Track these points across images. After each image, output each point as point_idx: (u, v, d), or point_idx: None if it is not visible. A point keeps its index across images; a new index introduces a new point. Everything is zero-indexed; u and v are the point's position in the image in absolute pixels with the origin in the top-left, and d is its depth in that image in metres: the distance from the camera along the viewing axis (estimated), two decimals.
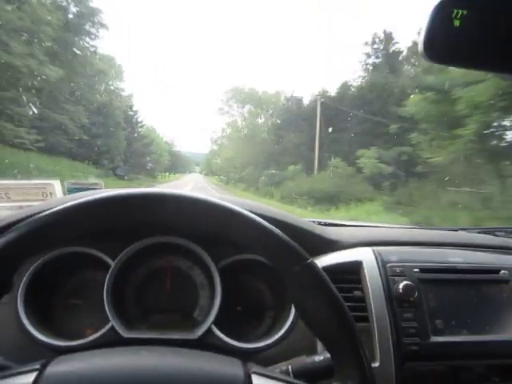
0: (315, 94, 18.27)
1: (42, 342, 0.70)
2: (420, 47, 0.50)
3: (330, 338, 0.44)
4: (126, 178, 14.21)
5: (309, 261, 0.43)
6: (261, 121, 24.74)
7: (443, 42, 0.50)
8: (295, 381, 0.43)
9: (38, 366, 0.37)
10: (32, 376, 0.35)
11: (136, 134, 19.25)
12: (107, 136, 15.21)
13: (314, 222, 0.99)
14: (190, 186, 20.43)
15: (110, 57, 18.61)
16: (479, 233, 1.16)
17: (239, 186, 21.44)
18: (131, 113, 18.99)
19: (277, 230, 0.43)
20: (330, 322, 0.43)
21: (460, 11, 0.49)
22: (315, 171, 15.65)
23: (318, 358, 0.52)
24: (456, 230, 1.19)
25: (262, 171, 19.13)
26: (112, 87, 18.77)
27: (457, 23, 0.49)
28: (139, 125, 19.90)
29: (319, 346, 0.68)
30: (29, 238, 0.41)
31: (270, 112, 24.18)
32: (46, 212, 0.41)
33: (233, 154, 24.78)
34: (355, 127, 15.26)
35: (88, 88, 15.40)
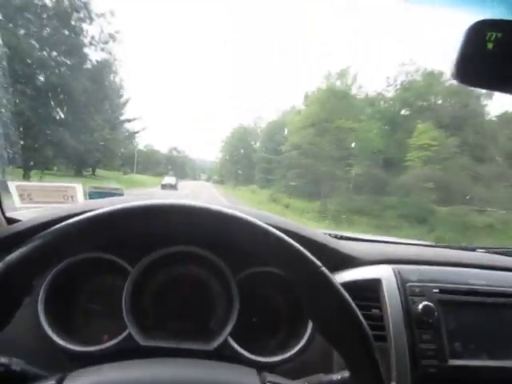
0: None
1: (60, 345, 0.70)
2: (452, 69, 0.50)
3: (348, 351, 0.43)
4: None
5: (321, 269, 0.42)
6: None
7: (476, 65, 0.50)
8: None
9: (53, 382, 0.37)
10: None
11: None
12: None
13: (329, 234, 0.98)
14: None
15: None
16: (496, 253, 1.14)
17: None
18: None
19: (290, 240, 0.42)
20: (346, 330, 0.42)
21: (494, 34, 0.49)
22: None
23: (336, 376, 0.51)
24: (474, 250, 1.17)
25: None
26: None
27: (490, 46, 0.49)
28: None
29: (336, 364, 0.68)
30: (56, 244, 0.41)
31: None
32: (71, 220, 0.41)
33: None
34: None
35: None
